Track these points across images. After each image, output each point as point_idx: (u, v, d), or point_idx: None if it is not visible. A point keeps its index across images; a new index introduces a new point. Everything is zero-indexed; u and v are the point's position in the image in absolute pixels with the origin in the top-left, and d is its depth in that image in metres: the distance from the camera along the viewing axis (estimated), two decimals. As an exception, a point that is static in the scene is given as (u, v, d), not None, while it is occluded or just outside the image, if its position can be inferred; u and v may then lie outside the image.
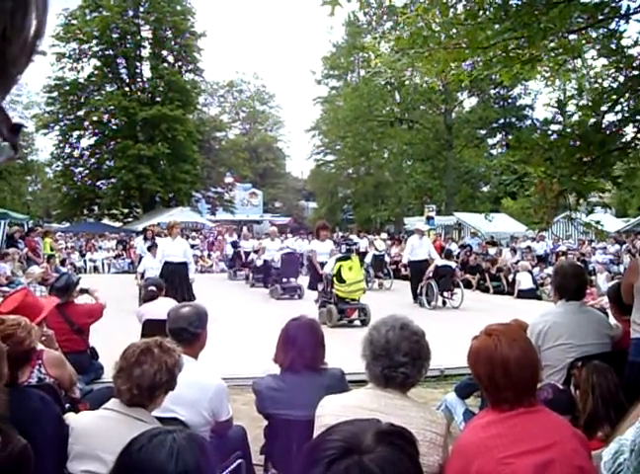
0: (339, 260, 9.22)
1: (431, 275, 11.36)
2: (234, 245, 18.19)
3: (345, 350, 4.66)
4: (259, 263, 14.75)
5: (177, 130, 30.47)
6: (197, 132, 32.80)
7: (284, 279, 12.77)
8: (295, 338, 2.70)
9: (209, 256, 22.81)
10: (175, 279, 9.18)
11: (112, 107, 30.44)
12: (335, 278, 9.09)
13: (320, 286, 9.74)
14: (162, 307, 4.21)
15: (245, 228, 24.85)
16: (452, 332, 8.34)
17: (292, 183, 53.96)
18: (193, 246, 23.02)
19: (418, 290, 11.56)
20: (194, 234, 25.52)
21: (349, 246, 9.70)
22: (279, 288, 12.73)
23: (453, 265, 11.87)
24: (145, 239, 12.76)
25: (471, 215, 25.25)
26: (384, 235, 20.12)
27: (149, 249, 11.39)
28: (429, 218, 22.51)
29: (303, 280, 12.38)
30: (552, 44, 4.15)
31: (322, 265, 9.97)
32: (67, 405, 2.90)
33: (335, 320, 8.95)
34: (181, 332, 2.81)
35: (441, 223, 23.95)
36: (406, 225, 27.54)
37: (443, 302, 11.53)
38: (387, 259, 16.10)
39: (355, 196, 38.24)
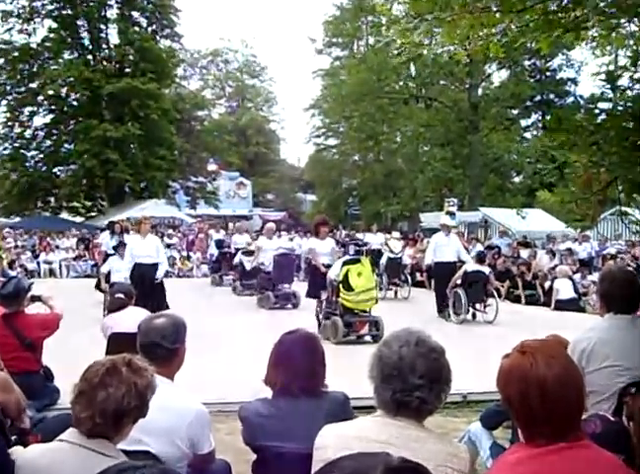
0: (346, 263, 9.25)
1: (459, 282, 11.39)
2: (219, 245, 18.29)
3: (351, 370, 4.66)
4: (248, 266, 14.89)
5: (150, 108, 30.56)
6: (174, 110, 32.90)
7: (277, 286, 12.87)
8: (290, 355, 2.72)
9: (189, 257, 22.98)
10: (145, 284, 9.27)
11: (71, 78, 30.37)
12: (341, 286, 9.13)
13: (323, 294, 9.79)
14: (132, 318, 4.22)
15: (231, 225, 24.86)
16: (477, 350, 8.46)
17: (288, 171, 54.08)
18: (169, 246, 23.39)
19: (443, 300, 11.57)
20: (170, 232, 25.76)
21: (358, 247, 9.76)
22: (270, 296, 12.85)
23: (487, 270, 11.82)
24: (112, 234, 12.81)
25: (500, 211, 25.27)
26: (396, 234, 20.15)
27: (116, 248, 11.53)
28: (449, 214, 22.51)
29: (300, 287, 12.52)
30: (603, 4, 4.05)
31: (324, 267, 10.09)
32: (14, 437, 2.89)
33: (341, 335, 8.99)
34: (154, 348, 2.82)
35: (464, 220, 24.03)
36: (422, 222, 27.64)
37: (473, 315, 11.57)
38: (406, 261, 16.24)
39: (361, 187, 38.24)
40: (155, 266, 9.95)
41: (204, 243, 23.39)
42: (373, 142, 33.04)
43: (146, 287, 9.19)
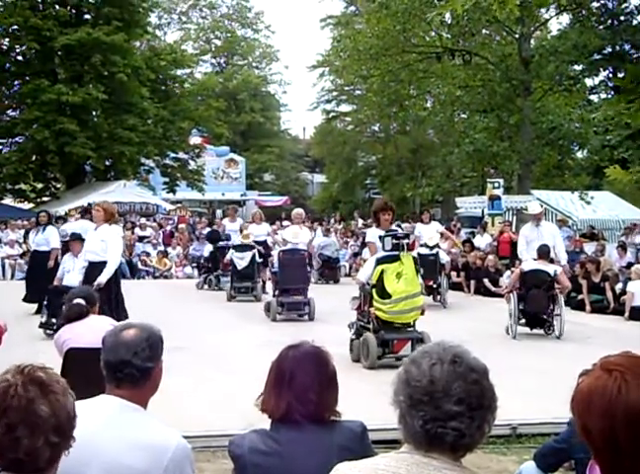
0: (381, 261, 9.13)
1: (517, 285, 11.57)
2: (211, 238, 18.47)
3: (372, 394, 4.55)
4: (240, 264, 15.07)
5: (116, 65, 30.44)
6: (147, 69, 32.83)
7: (284, 291, 13.12)
8: (293, 374, 2.73)
9: (167, 254, 23.22)
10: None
11: (14, 27, 30.38)
12: (374, 291, 9.06)
13: (354, 303, 9.76)
14: (94, 330, 4.27)
15: (219, 211, 24.95)
16: (532, 370, 8.56)
17: (290, 146, 54.15)
18: (141, 239, 23.47)
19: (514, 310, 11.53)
20: (143, 221, 25.87)
21: (397, 239, 9.16)
22: (273, 304, 13.04)
23: (552, 269, 11.60)
24: (38, 225, 12.90)
25: (558, 194, 25.27)
26: (436, 224, 19.93)
27: (65, 244, 11.76)
28: (493, 199, 22.61)
29: (317, 293, 12.77)
30: None
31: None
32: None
33: (374, 357, 8.87)
34: (122, 366, 2.82)
35: (513, 206, 24.14)
36: (459, 209, 27.81)
37: (531, 325, 11.66)
38: (444, 258, 16.20)
39: (382, 165, 38.17)
40: (103, 265, 9.80)
41: (186, 235, 23.59)
42: (398, 108, 32.66)
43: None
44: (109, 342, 2.91)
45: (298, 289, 13.19)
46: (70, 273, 11.09)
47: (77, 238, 11.71)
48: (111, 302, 9.44)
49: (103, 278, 9.62)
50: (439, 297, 15.33)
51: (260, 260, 15.83)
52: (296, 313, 12.98)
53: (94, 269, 9.76)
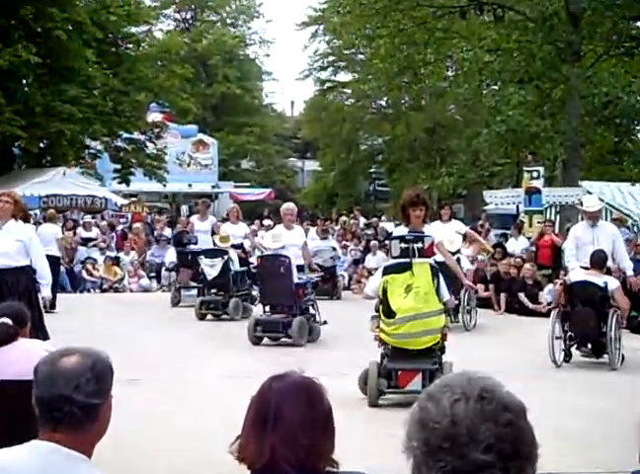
0: (387, 271, 9.21)
1: (563, 301, 11.74)
2: (177, 241, 18.53)
3: (379, 438, 4.46)
4: (211, 272, 15.29)
5: (53, 19, 30.27)
6: (92, 25, 32.67)
7: (265, 307, 13.41)
8: (279, 412, 2.73)
9: (118, 261, 23.21)
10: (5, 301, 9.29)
11: None
12: (381, 308, 9.14)
13: (375, 323, 9.66)
14: (24, 358, 4.25)
15: (185, 207, 24.88)
16: (576, 409, 8.58)
17: (274, 124, 54.11)
18: (85, 241, 23.37)
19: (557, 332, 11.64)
20: (87, 219, 25.70)
21: (406, 242, 9.23)
22: (250, 323, 13.21)
23: (604, 282, 11.58)
24: None
25: (614, 186, 25.41)
26: (458, 224, 19.81)
27: None
28: (531, 192, 22.61)
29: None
30: None
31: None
32: None
33: (373, 392, 8.93)
34: (60, 404, 2.77)
35: (556, 201, 24.16)
36: (488, 205, 27.73)
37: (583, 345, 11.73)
38: (466, 266, 16.14)
39: (390, 149, 38.01)
40: (19, 271, 9.69)
41: (143, 238, 23.62)
42: (411, 78, 32.78)
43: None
44: (43, 372, 2.85)
45: (282, 306, 13.29)
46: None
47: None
48: (34, 319, 9.24)
49: (47, 292, 9.62)
50: (460, 317, 15.34)
51: (240, 268, 15.97)
52: (272, 335, 13.10)
53: (9, 277, 9.55)
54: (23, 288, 9.50)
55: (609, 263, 11.94)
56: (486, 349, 12.81)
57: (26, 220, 10.53)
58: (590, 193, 23.81)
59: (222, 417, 7.20)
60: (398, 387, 9.03)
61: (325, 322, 13.61)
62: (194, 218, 19.46)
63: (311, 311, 13.72)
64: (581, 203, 12.92)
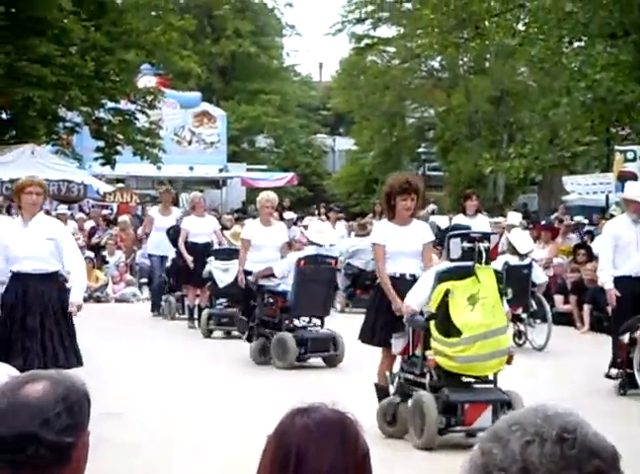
0: (444, 277, 8.86)
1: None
2: (173, 238, 17.39)
3: None
4: (226, 279, 14.71)
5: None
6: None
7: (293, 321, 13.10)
8: (302, 456, 2.48)
9: (101, 263, 22.84)
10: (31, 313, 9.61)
11: None
12: (433, 325, 8.77)
13: (399, 343, 9.35)
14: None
15: (185, 196, 24.59)
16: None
17: (298, 92, 54.36)
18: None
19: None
20: (62, 210, 24.41)
21: (469, 241, 9.04)
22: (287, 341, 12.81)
23: None
24: None
25: None
26: (517, 216, 19.83)
27: None
28: (625, 178, 20.58)
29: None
30: None
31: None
32: None
33: (433, 431, 8.51)
34: (24, 443, 2.55)
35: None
36: (568, 195, 27.04)
37: None
38: (540, 278, 15.73)
39: (445, 123, 37.87)
40: (50, 281, 9.69)
41: (132, 234, 23.11)
42: (471, 33, 31.42)
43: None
44: (2, 404, 2.68)
45: (316, 314, 13.22)
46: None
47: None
48: (62, 340, 9.46)
49: (79, 298, 9.78)
50: (532, 339, 15.04)
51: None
52: (312, 355, 12.86)
53: (41, 286, 9.56)
54: (54, 302, 9.49)
55: None
56: (563, 375, 12.52)
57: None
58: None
59: (229, 457, 7.49)
60: (463, 424, 8.70)
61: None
62: (154, 212, 18.93)
63: None
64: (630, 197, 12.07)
